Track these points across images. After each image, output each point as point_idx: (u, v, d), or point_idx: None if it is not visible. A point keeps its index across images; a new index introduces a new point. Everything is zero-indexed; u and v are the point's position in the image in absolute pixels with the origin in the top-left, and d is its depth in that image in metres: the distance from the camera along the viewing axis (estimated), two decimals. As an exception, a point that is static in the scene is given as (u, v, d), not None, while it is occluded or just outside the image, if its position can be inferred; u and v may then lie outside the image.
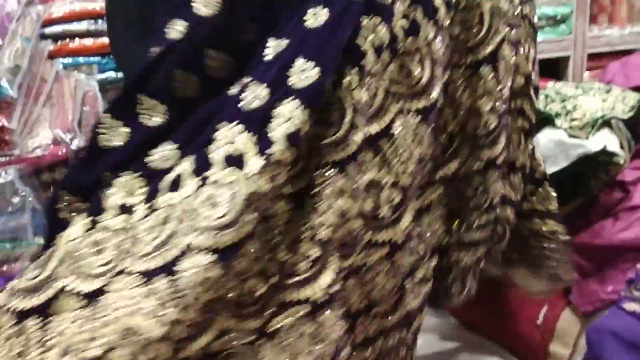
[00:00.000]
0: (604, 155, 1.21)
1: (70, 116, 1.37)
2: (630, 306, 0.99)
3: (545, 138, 1.27)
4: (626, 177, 1.23)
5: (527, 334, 1.19)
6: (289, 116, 0.60)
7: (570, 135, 1.24)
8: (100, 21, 1.70)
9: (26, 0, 1.51)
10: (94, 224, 0.62)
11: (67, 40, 1.67)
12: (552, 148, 1.24)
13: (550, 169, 1.22)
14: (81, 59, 1.68)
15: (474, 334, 1.31)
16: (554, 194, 0.96)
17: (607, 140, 1.22)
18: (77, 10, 1.65)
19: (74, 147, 1.26)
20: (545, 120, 1.31)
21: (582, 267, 1.16)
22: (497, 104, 0.77)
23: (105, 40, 1.72)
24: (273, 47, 0.64)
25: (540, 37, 2.02)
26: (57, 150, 1.25)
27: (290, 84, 0.61)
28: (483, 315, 1.29)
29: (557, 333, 1.14)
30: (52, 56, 1.62)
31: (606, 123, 1.27)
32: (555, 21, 2.04)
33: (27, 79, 1.36)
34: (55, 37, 1.66)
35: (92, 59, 1.68)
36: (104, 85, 1.66)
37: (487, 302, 1.29)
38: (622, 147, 1.24)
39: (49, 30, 1.64)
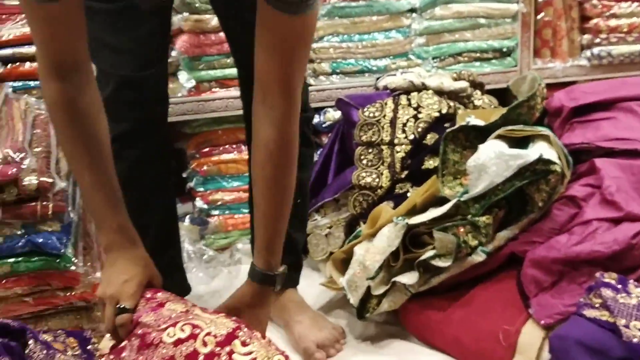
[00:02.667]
0: (542, 164, 1.24)
1: (21, 137, 1.33)
2: (590, 313, 1.01)
3: (486, 150, 1.30)
4: (577, 193, 1.28)
5: (488, 350, 1.19)
6: None
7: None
8: (52, 45, 1.67)
9: (-24, 21, 1.47)
10: None
11: (18, 63, 1.63)
12: (493, 159, 1.27)
13: (495, 181, 1.26)
14: (32, 83, 1.64)
15: (434, 351, 1.31)
16: None
17: (544, 150, 1.27)
18: (29, 33, 1.61)
19: (24, 166, 1.22)
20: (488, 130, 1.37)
21: (540, 281, 1.19)
22: None
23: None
24: None
25: (487, 68, 2.11)
26: (6, 170, 1.20)
27: None
28: (442, 333, 1.30)
29: (519, 347, 1.15)
30: (1, 79, 1.58)
31: (543, 137, 1.32)
32: (501, 54, 2.12)
33: (-24, 100, 1.32)
34: (5, 60, 1.62)
35: (42, 82, 1.65)
36: (54, 110, 1.62)
37: (445, 319, 1.30)
38: (560, 159, 1.29)
39: (-1, 52, 1.61)
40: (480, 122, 1.43)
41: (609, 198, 1.22)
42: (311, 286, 1.64)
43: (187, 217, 1.90)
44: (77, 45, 1.03)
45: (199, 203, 1.89)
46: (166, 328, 0.95)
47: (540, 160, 1.23)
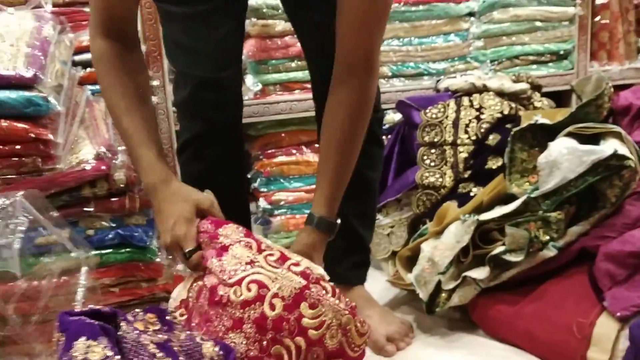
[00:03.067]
0: (616, 160, 1.26)
1: (107, 135, 1.40)
2: (671, 304, 1.02)
3: (557, 146, 1.33)
4: (650, 189, 1.29)
5: (562, 342, 1.21)
6: None
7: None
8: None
9: (60, 27, 1.56)
10: None
11: (96, 67, 1.72)
12: (566, 155, 1.30)
13: (568, 177, 1.28)
14: (109, 86, 1.72)
15: (503, 345, 1.33)
16: None
17: (617, 146, 1.29)
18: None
19: (115, 162, 1.29)
20: (556, 129, 1.40)
21: (614, 275, 1.20)
22: None
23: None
24: None
25: (544, 71, 2.12)
26: (99, 166, 1.27)
27: None
28: (513, 326, 1.32)
29: (594, 339, 1.16)
30: (81, 82, 1.66)
31: (614, 134, 1.34)
32: (558, 56, 2.14)
33: (67, 100, 1.40)
34: (85, 65, 1.70)
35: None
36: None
37: (516, 312, 1.32)
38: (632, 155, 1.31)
39: (79, 57, 1.69)
40: (548, 121, 1.46)
41: (683, 193, 1.23)
42: (374, 284, 1.67)
43: (251, 217, 1.96)
44: (128, 9, 1.14)
45: (262, 203, 1.95)
46: (233, 284, 0.96)
47: (615, 156, 1.25)
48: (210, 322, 0.98)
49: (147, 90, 1.18)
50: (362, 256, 1.57)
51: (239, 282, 0.96)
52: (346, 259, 1.54)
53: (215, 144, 1.40)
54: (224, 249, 1.02)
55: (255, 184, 1.97)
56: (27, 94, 1.20)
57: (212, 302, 0.98)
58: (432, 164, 1.72)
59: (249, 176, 1.98)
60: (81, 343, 0.86)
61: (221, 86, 1.38)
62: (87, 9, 1.72)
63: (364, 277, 1.57)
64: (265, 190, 1.96)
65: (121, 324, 0.97)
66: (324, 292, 0.97)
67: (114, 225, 1.31)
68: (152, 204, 1.12)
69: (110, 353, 0.85)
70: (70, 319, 0.91)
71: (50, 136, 1.21)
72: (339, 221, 1.21)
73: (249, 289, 0.95)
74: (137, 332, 0.96)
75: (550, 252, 1.31)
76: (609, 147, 1.26)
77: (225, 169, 1.43)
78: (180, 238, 1.05)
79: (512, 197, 1.44)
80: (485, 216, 1.38)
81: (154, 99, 1.84)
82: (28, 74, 1.21)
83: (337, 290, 1.01)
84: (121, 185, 1.29)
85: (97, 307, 1.03)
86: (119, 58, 1.12)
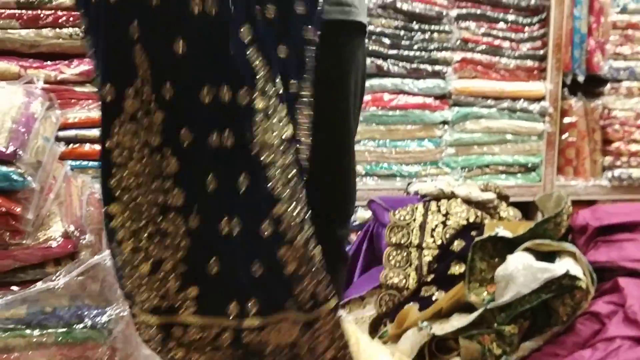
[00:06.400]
0: (568, 279, 1.31)
1: (79, 213, 1.43)
2: None
3: (514, 261, 1.37)
4: (601, 309, 1.33)
5: None
6: None
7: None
8: (112, 130, 1.80)
9: (48, 103, 1.61)
10: None
11: (79, 144, 1.77)
12: (521, 270, 1.34)
13: (522, 292, 1.32)
14: (89, 163, 1.76)
15: None
16: None
17: (570, 266, 1.33)
18: (93, 117, 1.75)
19: (83, 242, 1.31)
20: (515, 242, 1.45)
21: (563, 394, 1.22)
22: None
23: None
24: None
25: (512, 181, 2.21)
26: (66, 244, 1.29)
27: None
28: None
29: None
30: (62, 158, 1.70)
31: (570, 254, 1.39)
32: (526, 169, 2.24)
33: (44, 176, 1.43)
34: (68, 141, 1.75)
35: (98, 163, 1.77)
36: (106, 189, 1.73)
37: None
38: (585, 275, 1.35)
39: (63, 133, 1.74)
40: (508, 234, 1.51)
41: (632, 317, 1.27)
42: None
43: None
44: None
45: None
46: None
47: (567, 276, 1.29)
48: None
49: None
50: None
51: None
52: None
53: None
54: None
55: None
56: (5, 169, 1.23)
57: None
58: (397, 264, 1.76)
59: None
60: None
61: None
62: (77, 88, 1.79)
63: None
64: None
65: None
66: None
67: (73, 303, 1.31)
68: None
69: None
70: None
71: (21, 212, 1.24)
72: None
73: None
74: None
75: (503, 366, 1.33)
76: (562, 266, 1.31)
77: None
78: None
79: (471, 305, 1.47)
80: (441, 330, 1.40)
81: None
82: (8, 150, 1.24)
83: None
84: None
85: None
86: None
